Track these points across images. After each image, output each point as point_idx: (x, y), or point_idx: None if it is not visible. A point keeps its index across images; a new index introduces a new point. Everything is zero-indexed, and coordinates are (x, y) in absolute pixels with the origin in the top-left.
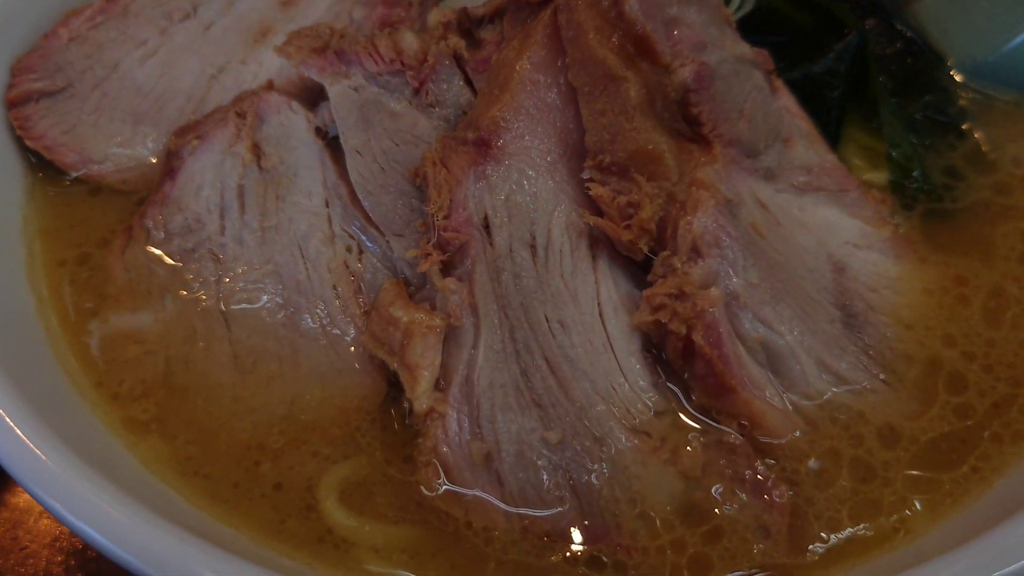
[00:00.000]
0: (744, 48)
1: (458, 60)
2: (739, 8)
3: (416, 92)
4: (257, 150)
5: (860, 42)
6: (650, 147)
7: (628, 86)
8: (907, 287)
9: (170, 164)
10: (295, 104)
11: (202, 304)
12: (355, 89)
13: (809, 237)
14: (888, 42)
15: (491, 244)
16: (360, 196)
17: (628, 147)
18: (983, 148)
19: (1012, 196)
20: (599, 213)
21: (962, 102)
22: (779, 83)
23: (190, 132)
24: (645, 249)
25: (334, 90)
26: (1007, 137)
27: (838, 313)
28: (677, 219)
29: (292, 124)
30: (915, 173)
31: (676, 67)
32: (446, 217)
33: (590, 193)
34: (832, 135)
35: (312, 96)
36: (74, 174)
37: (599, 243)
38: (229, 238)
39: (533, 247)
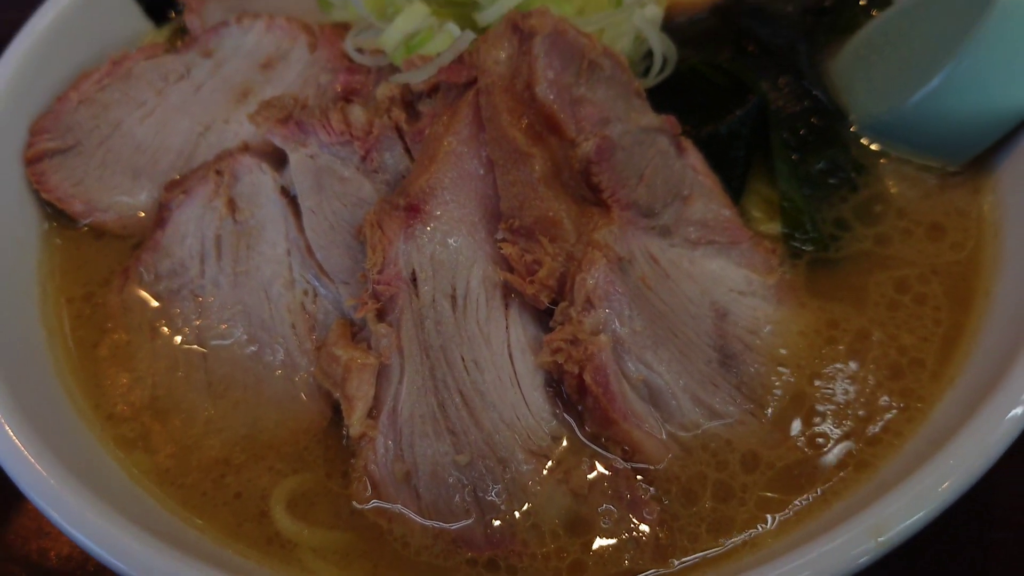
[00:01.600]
0: (650, 118)
1: (399, 131)
2: (660, 72)
3: (363, 159)
4: (232, 205)
5: (761, 105)
6: (551, 214)
7: (534, 162)
8: (784, 329)
9: (161, 215)
10: (264, 166)
11: (184, 338)
12: (311, 157)
13: (695, 287)
14: (797, 100)
15: (417, 295)
16: (314, 249)
17: (533, 213)
18: (872, 201)
19: (890, 247)
20: (511, 269)
21: (859, 157)
22: (687, 143)
23: (177, 187)
24: (546, 301)
25: (293, 157)
26: (896, 191)
27: (715, 354)
28: (574, 275)
29: (261, 183)
30: (807, 225)
31: (580, 141)
32: (379, 272)
33: (503, 252)
34: (737, 189)
35: (280, 157)
36: (83, 222)
37: (511, 293)
38: (207, 281)
39: (453, 297)
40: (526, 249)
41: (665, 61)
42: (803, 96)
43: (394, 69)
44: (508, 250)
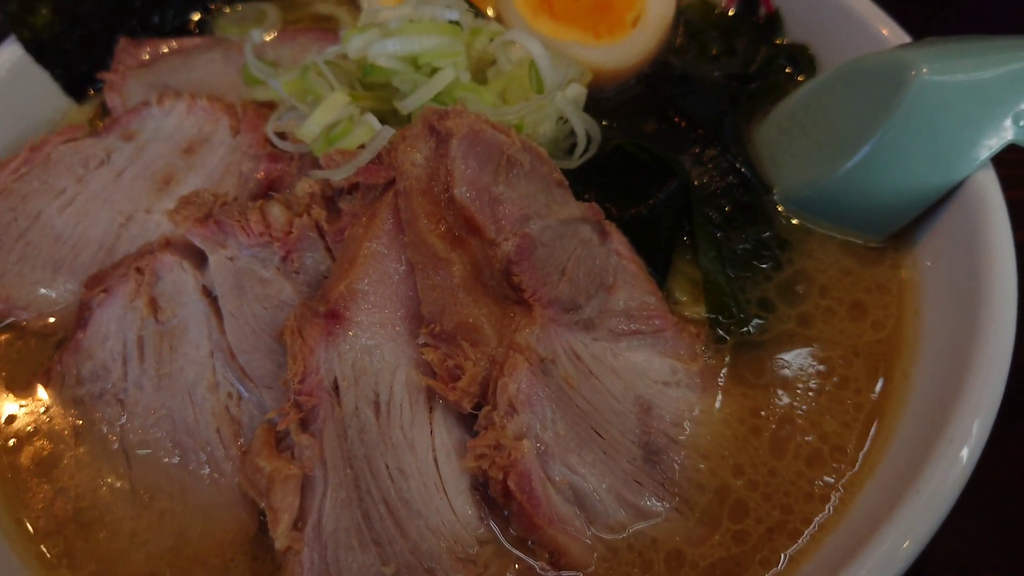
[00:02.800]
0: (572, 208)
1: (319, 231)
2: (584, 153)
3: (283, 260)
4: (154, 305)
5: (683, 187)
6: (471, 320)
7: (453, 267)
8: (708, 419)
9: (82, 314)
10: (186, 264)
11: (108, 445)
12: (230, 259)
13: (618, 383)
14: (722, 176)
15: (339, 404)
16: (236, 353)
17: (454, 319)
18: (795, 279)
19: (813, 328)
20: (434, 373)
21: (783, 233)
22: (611, 228)
23: (98, 284)
24: (469, 407)
25: (213, 259)
26: (817, 268)
27: (639, 451)
28: (497, 379)
29: (183, 283)
30: (731, 307)
31: (500, 242)
32: (300, 382)
33: (424, 358)
34: (661, 271)
35: (202, 254)
36: (2, 322)
37: (435, 396)
38: (131, 384)
39: (376, 404)
40: (448, 354)
41: (589, 141)
42: (728, 171)
43: (316, 157)
44: (430, 355)
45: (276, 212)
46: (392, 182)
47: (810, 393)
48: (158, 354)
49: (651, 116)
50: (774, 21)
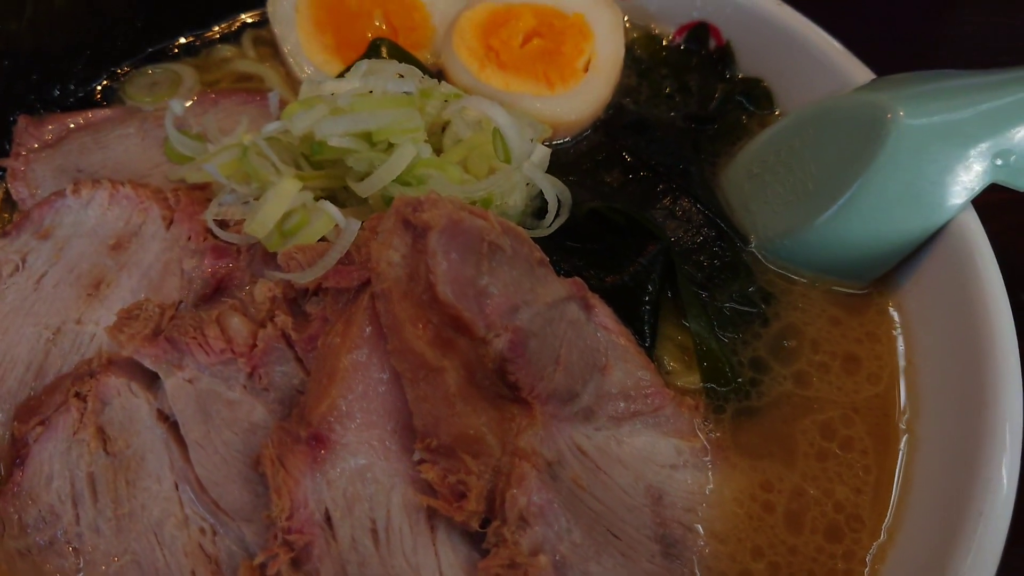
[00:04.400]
0: (556, 287)
1: (287, 340)
2: (555, 219)
3: (249, 376)
4: (102, 434)
5: (665, 251)
6: (471, 432)
7: (446, 375)
8: (719, 499)
9: (17, 452)
10: (135, 386)
11: None
12: (190, 381)
13: (627, 474)
14: (697, 229)
15: (334, 538)
16: (207, 486)
17: (452, 431)
18: (785, 335)
19: (810, 387)
20: (433, 491)
21: (766, 285)
22: (595, 300)
23: (32, 416)
24: (476, 525)
25: (169, 383)
26: (805, 320)
27: (657, 547)
28: (504, 491)
29: (134, 408)
30: (726, 372)
31: (491, 339)
32: (289, 518)
33: (422, 476)
34: (649, 338)
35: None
36: None
37: (437, 515)
38: (85, 528)
39: (375, 532)
40: (448, 469)
41: (560, 204)
42: (703, 224)
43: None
44: (429, 473)
45: (236, 323)
46: (366, 283)
47: (817, 460)
48: (114, 491)
49: (613, 167)
50: (725, 55)
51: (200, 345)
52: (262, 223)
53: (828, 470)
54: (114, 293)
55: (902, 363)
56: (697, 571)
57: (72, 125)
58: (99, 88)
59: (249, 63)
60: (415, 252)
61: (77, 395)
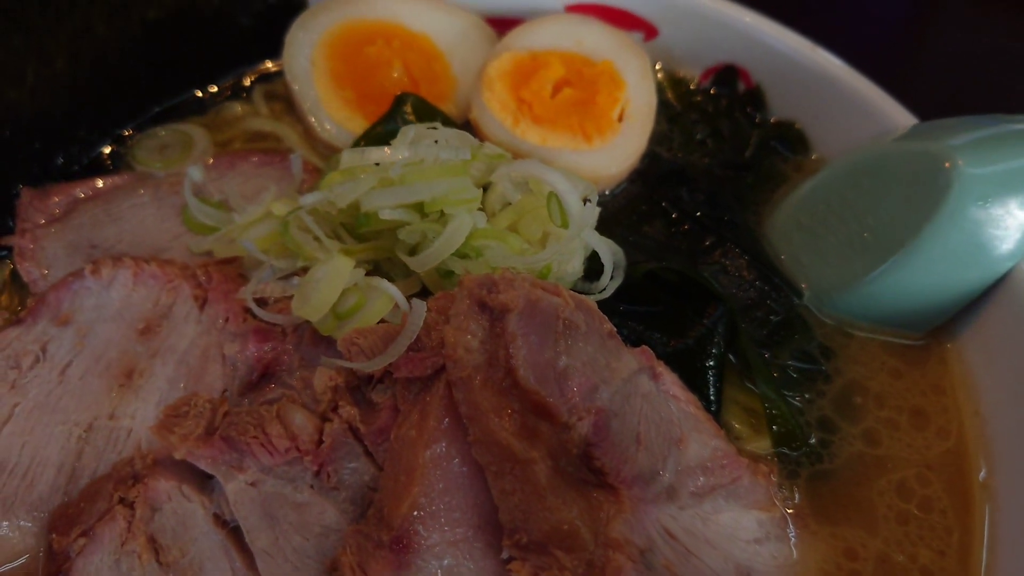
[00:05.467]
0: (628, 361)
1: (355, 433)
2: (610, 281)
3: (317, 475)
4: (154, 544)
5: (729, 311)
6: (564, 526)
7: (535, 467)
8: (805, 570)
9: (58, 566)
10: (187, 489)
11: None
12: (252, 484)
13: (716, 555)
14: (750, 285)
15: None
16: None
17: (543, 526)
18: (849, 391)
19: (881, 445)
20: None
21: (824, 340)
22: (661, 369)
23: (73, 525)
24: None
25: (230, 487)
26: (867, 374)
27: None
28: None
29: (188, 513)
30: (797, 434)
31: (574, 423)
32: None
33: (512, 574)
34: (715, 403)
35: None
36: None
37: None
38: None
39: None
40: (540, 566)
41: (614, 266)
42: (756, 278)
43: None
44: (520, 572)
45: (300, 419)
46: (440, 369)
47: (898, 523)
48: None
49: (655, 219)
50: (755, 98)
51: (262, 445)
52: (317, 307)
53: (910, 533)
54: (149, 383)
55: (970, 415)
56: None
57: (80, 195)
58: (105, 153)
59: (264, 120)
60: (493, 336)
61: (122, 501)
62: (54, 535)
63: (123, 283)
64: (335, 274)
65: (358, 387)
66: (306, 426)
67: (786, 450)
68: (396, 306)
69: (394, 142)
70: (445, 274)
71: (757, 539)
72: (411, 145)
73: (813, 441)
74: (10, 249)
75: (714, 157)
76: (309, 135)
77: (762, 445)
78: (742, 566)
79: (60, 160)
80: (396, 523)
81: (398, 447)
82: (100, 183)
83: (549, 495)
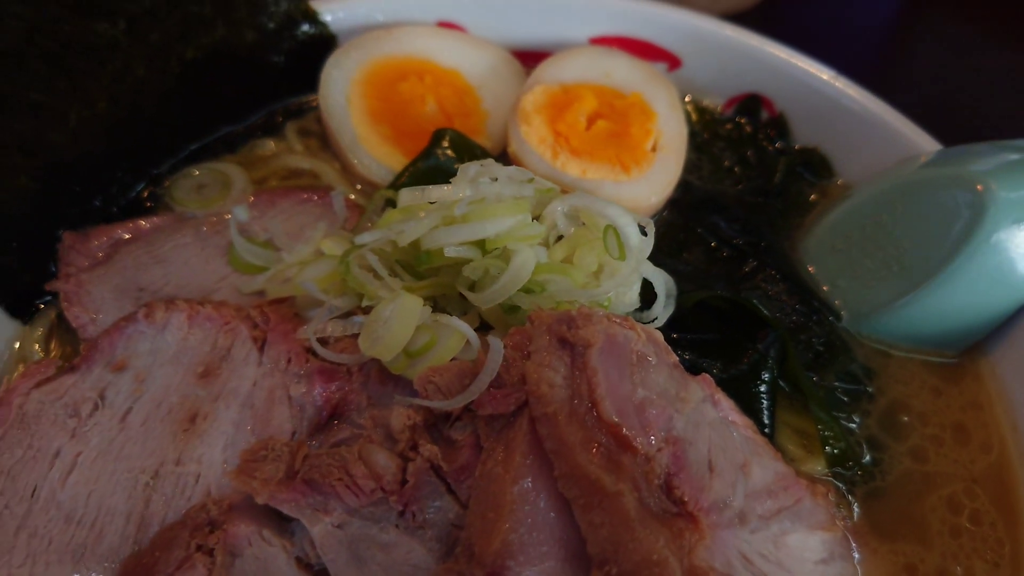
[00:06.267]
0: (694, 391)
1: (436, 471)
2: (662, 310)
3: (401, 514)
4: None
5: (780, 337)
6: (654, 556)
7: (624, 500)
8: None
9: None
10: (267, 533)
11: None
12: (339, 526)
13: None
14: (792, 309)
15: None
16: None
17: (633, 557)
18: (894, 410)
19: (928, 462)
20: None
21: (865, 361)
22: (719, 396)
23: (149, 574)
24: None
25: (316, 530)
26: (909, 393)
27: None
28: None
29: (269, 557)
30: (848, 454)
31: (654, 454)
32: None
33: None
34: (770, 425)
35: (279, 512)
36: None
37: None
38: None
39: None
40: None
41: (666, 295)
42: (796, 302)
43: (380, 362)
44: None
45: (383, 460)
46: (522, 405)
47: (951, 536)
48: None
49: (694, 246)
50: (779, 125)
51: (347, 486)
52: (390, 346)
53: (964, 546)
54: (213, 427)
55: (1009, 430)
56: None
57: (121, 237)
58: (142, 194)
59: (300, 158)
60: (574, 371)
61: (200, 548)
62: None
63: (178, 326)
64: (406, 312)
65: (435, 425)
66: (389, 466)
67: (841, 470)
68: (468, 343)
69: (455, 180)
70: (509, 309)
71: (823, 559)
72: (471, 183)
73: (866, 461)
74: (55, 294)
75: (743, 184)
76: (346, 171)
77: (815, 467)
78: None
79: (98, 202)
80: (488, 560)
81: (484, 484)
82: (142, 224)
83: (638, 526)
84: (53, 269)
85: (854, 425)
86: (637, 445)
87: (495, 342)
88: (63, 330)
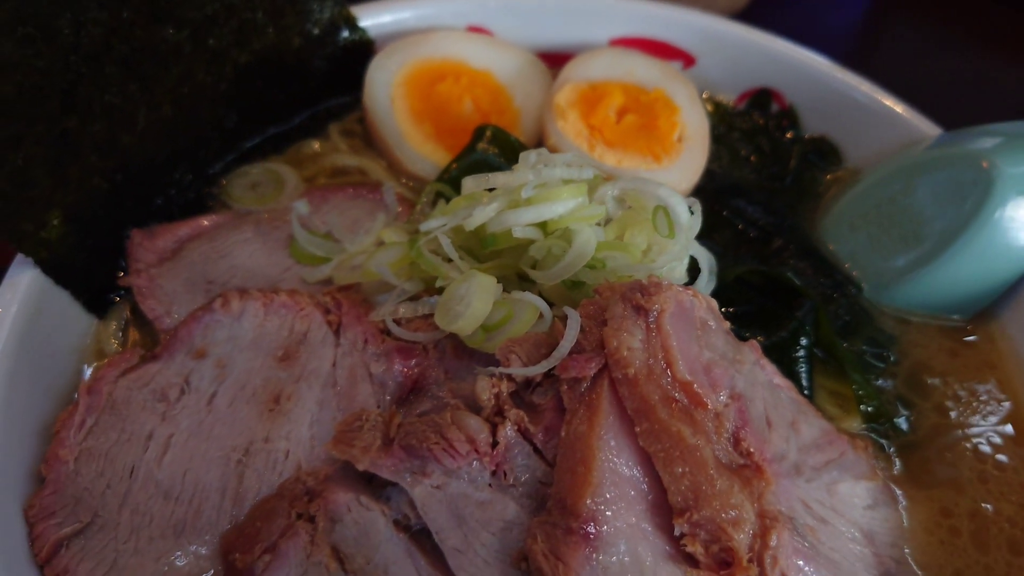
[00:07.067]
0: (747, 352)
1: (523, 433)
2: (707, 284)
3: (494, 474)
4: (338, 554)
5: (814, 306)
6: (732, 501)
7: (703, 452)
8: (911, 530)
9: None
10: (364, 499)
11: None
12: (438, 487)
13: (844, 521)
14: (818, 282)
15: None
16: None
17: (713, 503)
18: (918, 371)
19: (952, 417)
20: (691, 561)
21: (886, 328)
22: (764, 361)
23: (254, 544)
24: None
25: (416, 492)
26: (928, 355)
27: None
28: (762, 553)
29: (369, 521)
30: (884, 412)
31: (721, 410)
32: None
33: (686, 549)
34: (808, 387)
35: (371, 479)
36: None
37: None
38: None
39: None
40: (710, 540)
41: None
42: (822, 276)
43: (455, 337)
44: (693, 546)
45: (475, 424)
46: (601, 369)
47: (979, 481)
48: None
49: (722, 229)
50: (790, 117)
51: (444, 449)
52: (471, 320)
53: (992, 490)
54: (298, 406)
55: (1021, 385)
56: None
57: (184, 235)
58: (199, 193)
59: (347, 156)
60: (649, 335)
61: (301, 516)
62: (236, 554)
63: (254, 314)
64: (483, 289)
65: (516, 392)
66: (481, 429)
67: (875, 426)
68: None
69: (516, 167)
70: (573, 285)
71: (869, 505)
72: (533, 168)
73: (898, 419)
74: (126, 290)
75: (760, 172)
76: (392, 168)
77: (852, 424)
78: (865, 530)
79: (160, 201)
80: (581, 510)
81: (571, 441)
82: (203, 222)
83: (716, 475)
84: (122, 266)
85: (886, 383)
86: (707, 402)
87: (572, 312)
88: (137, 324)
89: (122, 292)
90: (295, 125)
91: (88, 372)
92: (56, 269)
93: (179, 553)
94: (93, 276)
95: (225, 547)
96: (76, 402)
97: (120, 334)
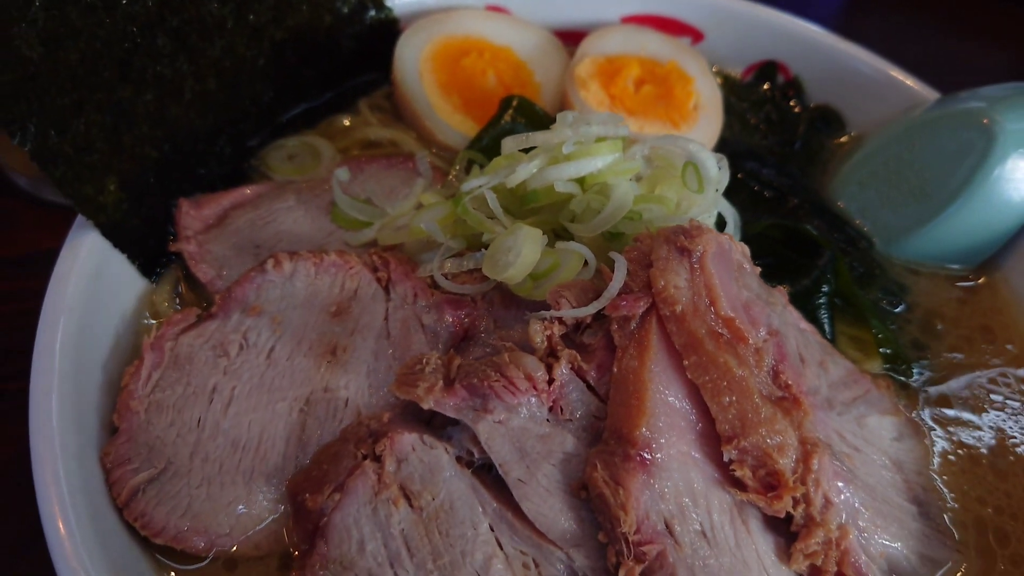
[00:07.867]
0: (776, 296)
1: (576, 370)
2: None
3: (551, 410)
4: (405, 491)
5: (833, 256)
6: (777, 427)
7: (748, 383)
8: (933, 460)
9: (314, 523)
10: (428, 438)
11: None
12: (500, 422)
13: (875, 450)
14: (832, 237)
15: (678, 545)
16: (534, 520)
17: (759, 430)
18: (930, 318)
19: (965, 357)
20: (739, 485)
21: (898, 278)
22: (790, 307)
23: (323, 485)
24: (785, 512)
25: (480, 427)
26: (938, 303)
27: (915, 508)
28: (804, 476)
29: (433, 459)
30: (902, 355)
31: (761, 344)
32: (636, 532)
33: (735, 475)
34: (830, 332)
35: (430, 419)
36: (208, 558)
37: (744, 509)
38: None
39: (704, 534)
40: (757, 465)
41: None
42: (836, 231)
43: (502, 288)
44: (741, 471)
45: (533, 363)
46: (649, 308)
47: (994, 412)
48: (430, 544)
49: (740, 191)
50: (795, 87)
51: (505, 387)
52: (520, 269)
53: (1006, 419)
54: (354, 357)
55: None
56: (945, 524)
57: (229, 203)
58: (239, 165)
59: (379, 129)
60: (693, 275)
61: (367, 457)
62: (306, 495)
63: (305, 273)
64: (532, 239)
65: (566, 335)
66: (539, 367)
67: (893, 367)
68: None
69: (554, 126)
70: (611, 236)
71: (896, 438)
72: (571, 126)
73: (915, 362)
74: (177, 255)
75: (769, 138)
76: (422, 139)
77: (872, 366)
78: (893, 458)
79: (202, 171)
80: (636, 439)
81: (623, 376)
82: (246, 191)
83: (761, 404)
84: (171, 233)
85: (900, 329)
86: (748, 337)
87: (618, 256)
88: (189, 287)
89: (172, 258)
90: (325, 100)
91: (149, 331)
92: (113, 233)
93: (249, 498)
94: (146, 241)
95: (293, 490)
96: (141, 358)
97: (175, 297)
